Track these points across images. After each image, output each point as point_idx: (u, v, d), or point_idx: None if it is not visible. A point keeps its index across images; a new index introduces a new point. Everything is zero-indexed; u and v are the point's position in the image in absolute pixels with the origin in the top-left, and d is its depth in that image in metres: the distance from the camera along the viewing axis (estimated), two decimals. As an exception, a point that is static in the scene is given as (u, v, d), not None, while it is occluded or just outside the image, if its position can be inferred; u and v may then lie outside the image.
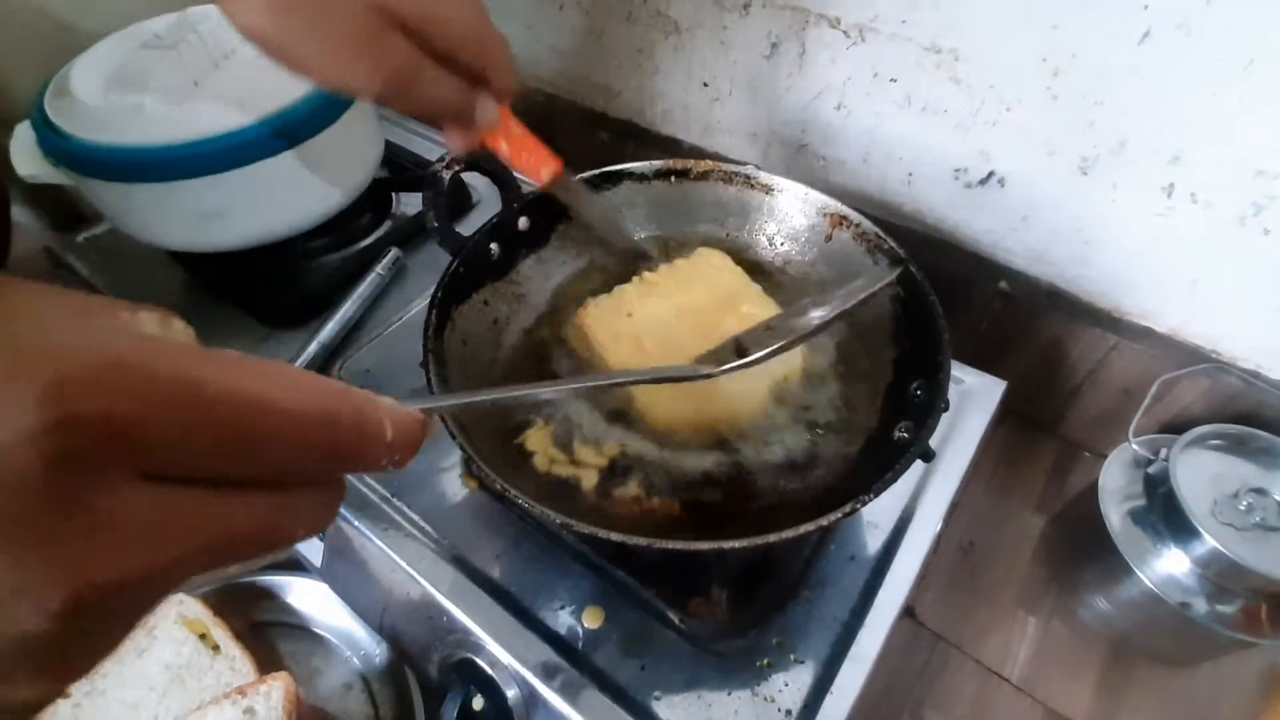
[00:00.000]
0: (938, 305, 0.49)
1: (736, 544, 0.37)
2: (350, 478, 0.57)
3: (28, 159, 0.64)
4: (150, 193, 0.63)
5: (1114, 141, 0.57)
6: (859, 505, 0.38)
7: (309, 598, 0.64)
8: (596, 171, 0.60)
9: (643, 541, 0.37)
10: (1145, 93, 0.54)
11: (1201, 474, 0.56)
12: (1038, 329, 0.70)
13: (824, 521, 0.37)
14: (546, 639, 0.49)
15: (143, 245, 0.68)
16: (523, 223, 0.58)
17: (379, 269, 0.72)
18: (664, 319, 0.53)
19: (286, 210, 0.68)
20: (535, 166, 0.51)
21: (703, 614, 0.48)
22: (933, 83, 0.63)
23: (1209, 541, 0.52)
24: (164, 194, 0.62)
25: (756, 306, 0.54)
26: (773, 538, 0.37)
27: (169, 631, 0.59)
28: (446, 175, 0.52)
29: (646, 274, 0.57)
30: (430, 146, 0.90)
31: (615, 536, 0.37)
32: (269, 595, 0.65)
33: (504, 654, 0.48)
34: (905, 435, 0.44)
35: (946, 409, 0.43)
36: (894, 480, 0.39)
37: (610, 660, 0.48)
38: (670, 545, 0.37)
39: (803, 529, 0.37)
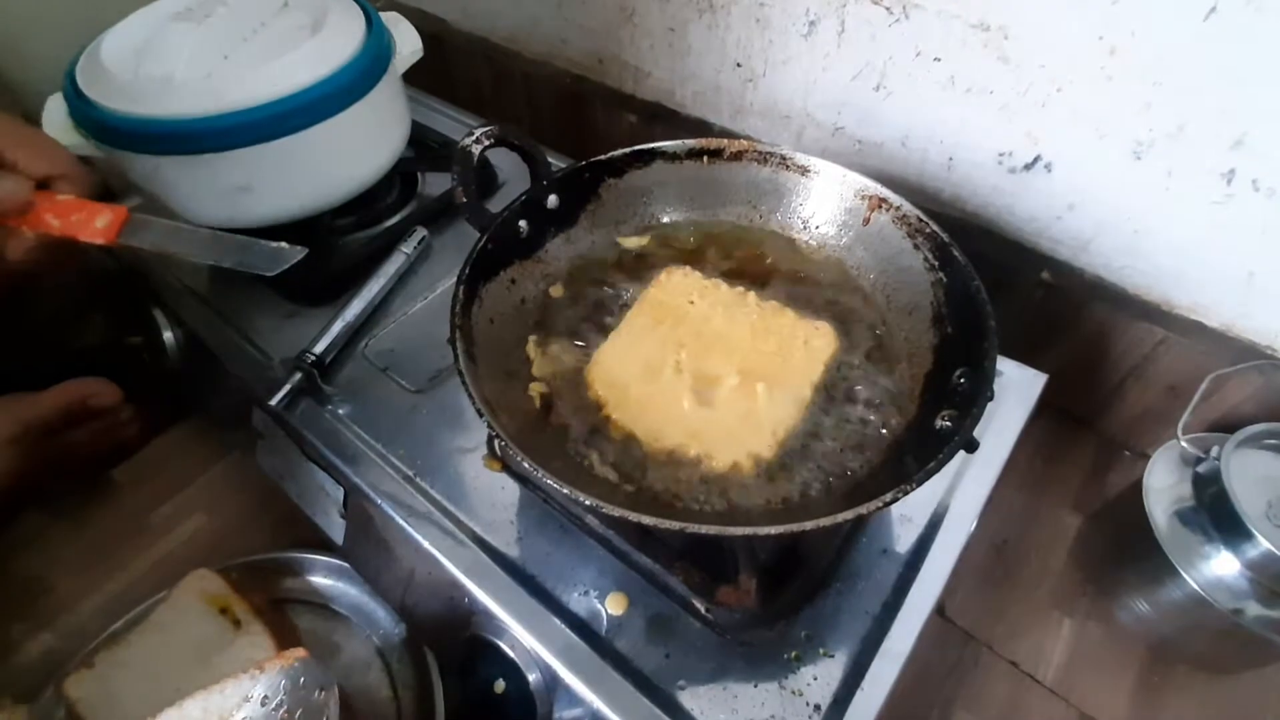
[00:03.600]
0: (983, 291, 0.47)
1: (771, 530, 0.35)
2: (376, 460, 0.57)
3: (59, 130, 0.64)
4: (178, 166, 0.62)
5: (1172, 125, 0.54)
6: (900, 495, 0.37)
7: (329, 576, 0.64)
8: (627, 150, 0.59)
9: (675, 526, 0.36)
10: (1208, 72, 0.51)
11: (1254, 474, 0.54)
12: (1081, 321, 0.67)
13: (863, 510, 0.36)
14: (569, 623, 0.48)
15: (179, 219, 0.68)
16: (552, 201, 0.56)
17: (405, 248, 0.72)
18: (654, 365, 0.51)
19: (313, 187, 0.68)
20: (89, 221, 0.50)
21: (730, 603, 0.47)
22: (979, 62, 0.60)
23: (1263, 544, 0.50)
24: (192, 167, 0.62)
25: (736, 319, 0.53)
26: (809, 525, 0.36)
27: (191, 606, 0.59)
28: (476, 150, 0.51)
29: (629, 315, 0.54)
30: (457, 127, 0.89)
31: (647, 520, 0.36)
32: (290, 572, 0.65)
33: (526, 637, 0.47)
34: (948, 424, 0.42)
35: (991, 398, 0.41)
36: (937, 470, 0.38)
37: (634, 647, 0.47)
38: (703, 529, 0.35)
39: (840, 517, 0.36)
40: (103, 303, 0.80)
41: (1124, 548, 0.62)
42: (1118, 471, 0.71)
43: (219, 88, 0.61)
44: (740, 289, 0.55)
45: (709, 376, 0.49)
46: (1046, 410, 0.73)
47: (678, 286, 0.55)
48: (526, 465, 0.38)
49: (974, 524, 0.53)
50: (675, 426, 0.46)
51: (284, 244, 0.56)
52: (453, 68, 1.05)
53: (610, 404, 0.48)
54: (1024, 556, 0.66)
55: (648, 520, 0.36)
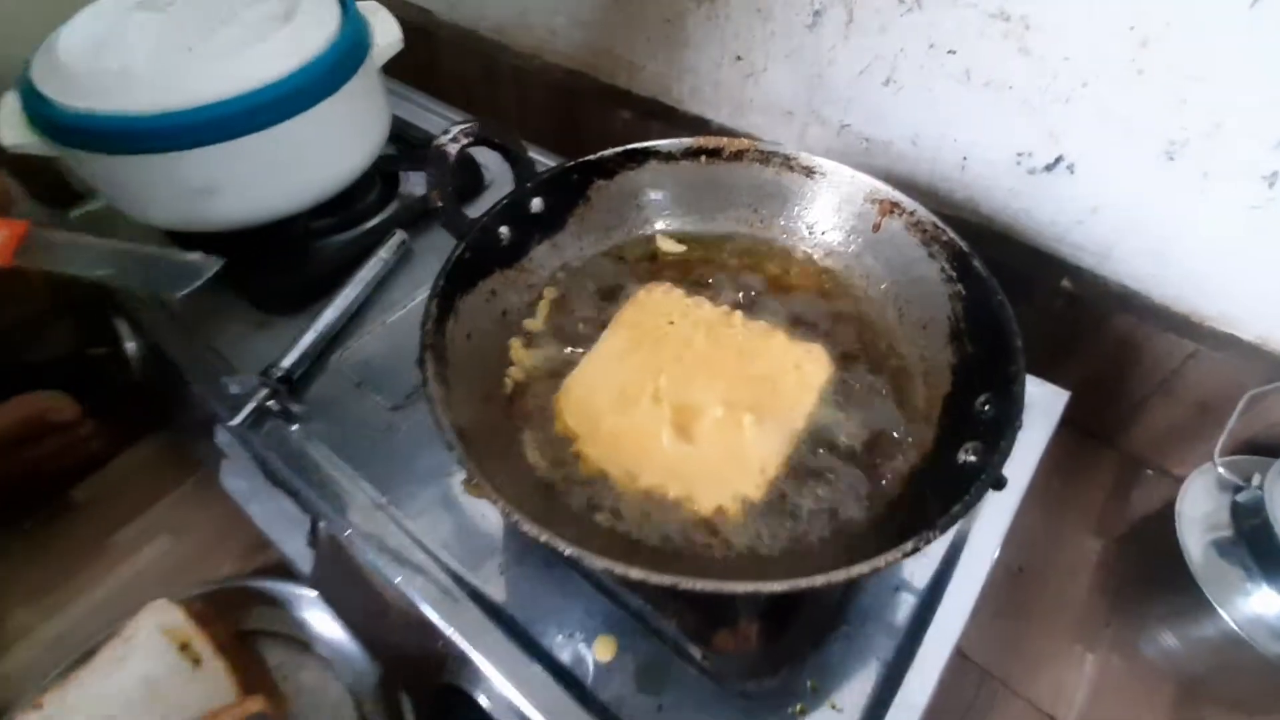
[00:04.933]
0: (1007, 306, 0.43)
1: (778, 587, 0.31)
2: (346, 485, 0.53)
3: (13, 128, 0.60)
4: (136, 165, 0.58)
5: (1208, 123, 0.50)
6: (921, 544, 0.32)
7: (301, 607, 0.60)
8: (618, 150, 0.54)
9: (666, 580, 0.31)
10: (1252, 67, 0.47)
11: (1299, 504, 0.50)
12: (1104, 333, 0.63)
13: (879, 564, 0.32)
14: (552, 671, 0.44)
15: (137, 222, 0.64)
16: (536, 204, 0.52)
17: (382, 253, 0.67)
18: (630, 394, 0.46)
19: (283, 188, 0.63)
20: None
21: (728, 649, 0.43)
22: (998, 55, 0.56)
23: (1310, 583, 0.46)
24: (150, 167, 0.57)
25: (720, 341, 0.49)
26: (820, 580, 0.31)
27: (148, 641, 0.55)
28: (453, 150, 0.47)
29: (603, 337, 0.49)
30: (442, 123, 0.85)
31: (635, 574, 0.31)
32: (260, 601, 0.61)
33: (505, 686, 0.43)
34: (973, 459, 0.38)
35: (1020, 428, 0.37)
36: (963, 514, 0.34)
37: (623, 698, 0.43)
38: (699, 586, 0.31)
39: (854, 571, 0.31)
40: (65, 311, 0.76)
41: (1152, 577, 0.58)
42: (1141, 491, 0.67)
43: (180, 82, 0.56)
44: (724, 308, 0.50)
45: (690, 407, 0.44)
46: (1064, 425, 0.69)
47: (656, 305, 0.50)
48: (500, 507, 0.34)
49: (995, 556, 0.49)
50: (653, 464, 0.42)
51: (197, 255, 0.51)
52: (439, 61, 1.00)
53: (581, 437, 0.43)
54: (1042, 584, 0.62)
55: (635, 574, 0.31)
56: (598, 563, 0.32)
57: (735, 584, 0.31)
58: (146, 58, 0.58)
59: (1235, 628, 0.50)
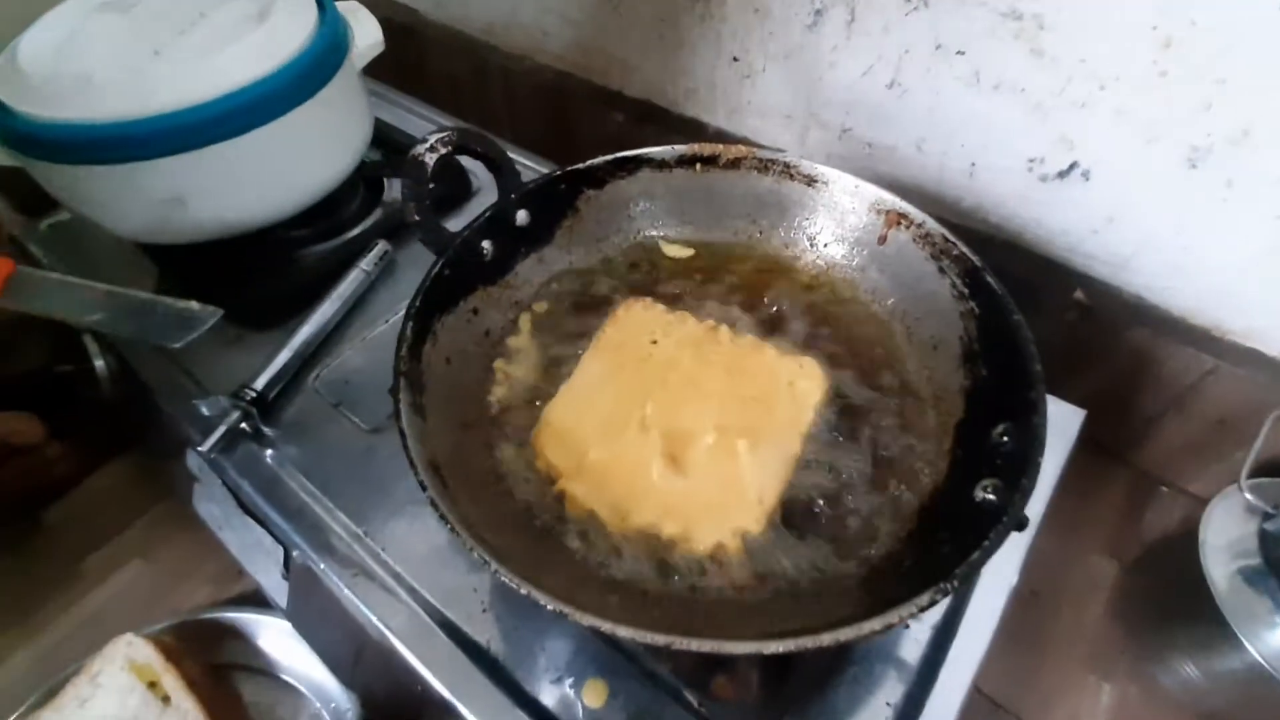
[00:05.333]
0: (1024, 327, 0.40)
1: (780, 647, 0.28)
2: (321, 514, 0.50)
3: (-26, 138, 0.57)
4: (101, 176, 0.55)
5: (1235, 128, 0.47)
6: (938, 597, 0.29)
7: (277, 639, 0.57)
8: (609, 158, 0.52)
9: (659, 640, 0.28)
10: (1282, 68, 0.44)
11: (1330, 532, 0.47)
12: (1118, 346, 0.60)
13: (893, 619, 0.29)
14: (537, 718, 0.41)
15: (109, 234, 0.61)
16: (521, 216, 0.49)
17: (364, 264, 0.64)
18: (615, 423, 0.43)
19: (257, 197, 0.60)
20: None
21: (726, 695, 0.40)
22: (1009, 55, 0.53)
23: (1345, 618, 0.43)
24: (116, 177, 0.55)
25: (707, 360, 0.46)
26: (826, 639, 0.29)
27: (115, 679, 0.52)
28: (430, 159, 0.44)
29: (583, 360, 0.46)
30: (430, 127, 0.82)
31: (623, 632, 0.29)
32: (233, 634, 0.58)
33: (488, 736, 0.40)
34: (992, 498, 0.35)
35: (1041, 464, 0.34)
36: (983, 561, 0.31)
37: (615, 748, 0.40)
38: (693, 647, 0.28)
39: (866, 628, 0.29)
40: (31, 326, 0.72)
41: (1171, 603, 0.55)
42: (1157, 511, 0.64)
43: (147, 87, 0.53)
44: (709, 322, 0.47)
45: (681, 434, 0.41)
46: (1077, 442, 0.66)
47: (636, 322, 0.47)
48: (474, 554, 0.31)
49: (1012, 587, 0.46)
50: (644, 500, 0.39)
51: (193, 304, 0.48)
52: (426, 62, 0.97)
53: (565, 474, 0.40)
54: (1056, 609, 0.60)
55: (623, 632, 0.29)
56: (583, 620, 0.29)
57: (734, 644, 0.28)
58: (109, 62, 0.55)
59: (1262, 661, 0.47)
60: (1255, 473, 0.52)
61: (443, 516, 0.32)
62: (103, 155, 0.53)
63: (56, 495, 0.66)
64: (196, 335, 0.46)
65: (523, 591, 0.30)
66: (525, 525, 0.39)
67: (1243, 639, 0.48)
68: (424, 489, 0.33)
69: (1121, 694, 0.55)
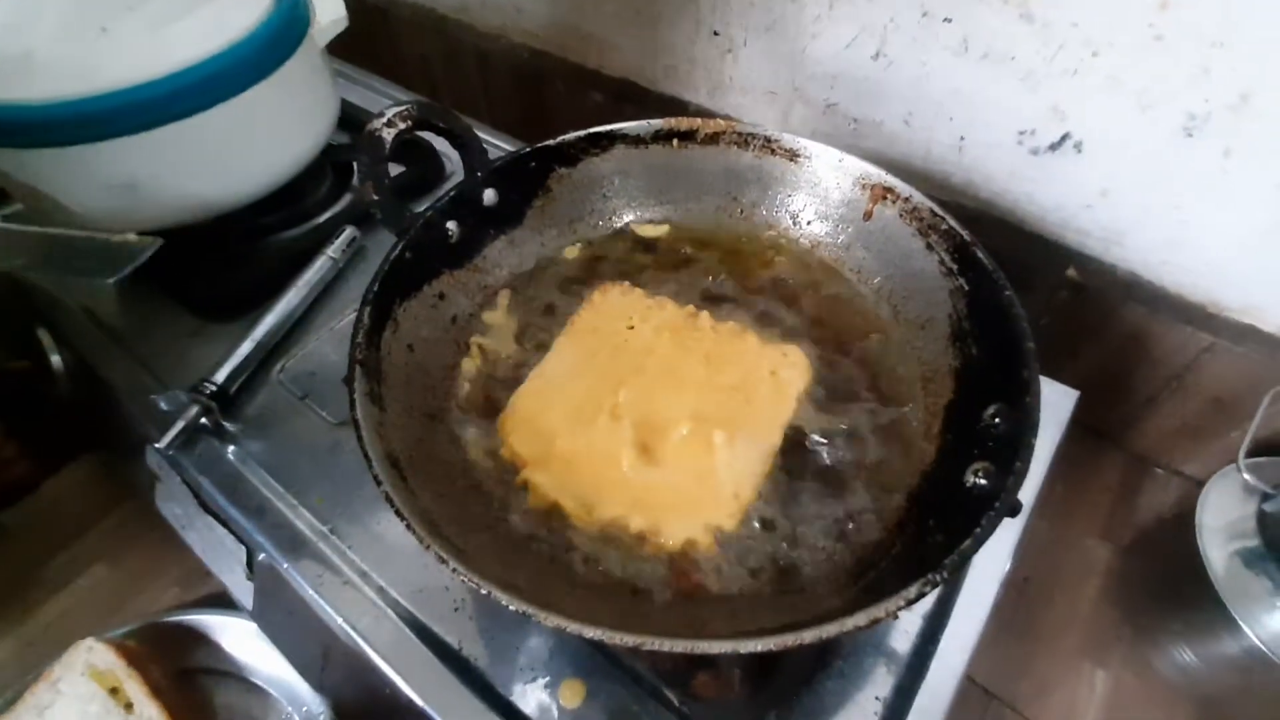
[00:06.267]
0: (1016, 303, 0.38)
1: (758, 646, 0.26)
2: (285, 512, 0.47)
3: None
4: (46, 160, 0.52)
5: (1233, 94, 0.45)
6: (927, 588, 0.28)
7: (245, 641, 0.55)
8: (581, 133, 0.49)
9: (629, 641, 0.27)
10: (1282, 29, 0.42)
11: (1331, 512, 0.46)
12: (1111, 325, 0.59)
13: (879, 613, 0.27)
14: (513, 721, 0.39)
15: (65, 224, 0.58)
16: (489, 196, 0.47)
17: (331, 251, 0.62)
18: (585, 411, 0.41)
19: (217, 181, 0.58)
20: None
21: (709, 694, 0.38)
22: (999, 22, 0.51)
23: (1348, 601, 0.42)
24: (62, 161, 0.52)
25: (686, 347, 0.44)
26: (808, 636, 0.27)
27: (75, 686, 0.50)
28: (388, 134, 0.41)
29: (554, 346, 0.44)
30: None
31: (590, 634, 0.27)
32: (199, 637, 0.56)
33: (460, 741, 0.38)
34: (983, 482, 0.33)
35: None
36: (975, 549, 0.29)
37: (593, 751, 0.38)
38: (665, 647, 0.26)
39: (850, 624, 0.27)
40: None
41: (1167, 587, 0.54)
42: (1150, 494, 0.63)
43: (91, 66, 0.50)
44: (690, 308, 0.45)
45: (654, 424, 0.39)
46: (1069, 424, 0.65)
47: (613, 307, 0.45)
48: (432, 552, 0.29)
49: (1004, 574, 0.44)
50: (613, 493, 0.37)
51: (130, 236, 0.45)
52: (399, 43, 0.94)
53: (530, 463, 0.38)
54: (1049, 595, 0.58)
55: (592, 634, 0.27)
56: (548, 622, 0.27)
57: (709, 643, 0.26)
58: (53, 40, 0.51)
59: (1260, 645, 0.46)
60: (1253, 452, 0.51)
61: (398, 512, 0.30)
62: (47, 138, 0.50)
63: (14, 499, 0.63)
64: (135, 266, 0.43)
65: (484, 592, 0.28)
66: (492, 521, 0.37)
67: (1241, 623, 0.47)
68: (378, 483, 0.31)
69: (1117, 681, 0.54)
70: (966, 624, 0.43)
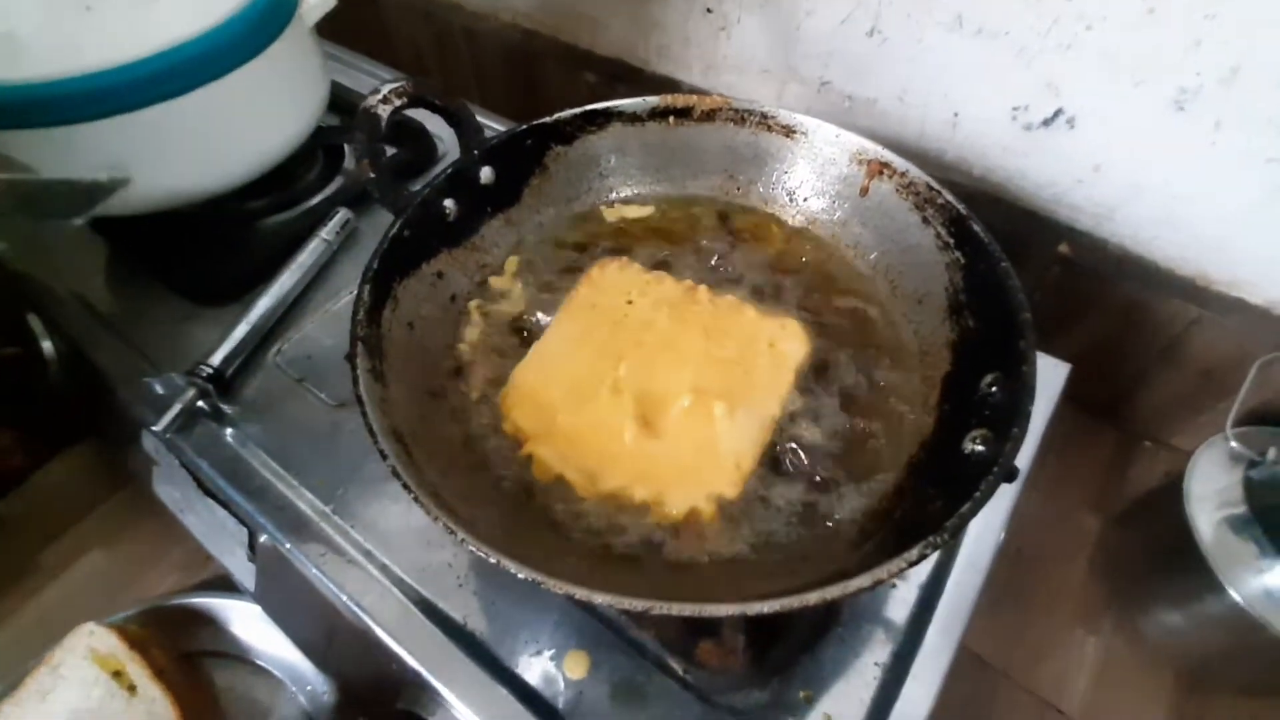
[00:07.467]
0: (1013, 275, 0.38)
1: (764, 608, 0.27)
2: (286, 493, 0.47)
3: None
4: (30, 142, 0.51)
5: (1224, 67, 0.46)
6: (928, 551, 0.28)
7: (248, 623, 0.55)
8: (577, 111, 0.49)
9: (638, 605, 0.27)
10: (1274, 4, 0.42)
11: (1315, 477, 0.47)
12: (1102, 299, 0.59)
13: (882, 575, 0.28)
14: (518, 693, 0.39)
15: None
16: (486, 174, 0.46)
17: (324, 233, 0.61)
18: (586, 385, 0.41)
19: (206, 164, 0.57)
20: None
21: (712, 662, 0.39)
22: (993, -3, 0.51)
23: (1331, 562, 0.43)
24: (46, 143, 0.51)
25: (685, 321, 0.44)
26: (813, 597, 0.27)
27: (77, 670, 0.50)
28: (384, 111, 0.41)
29: (554, 321, 0.44)
30: (391, 91, 0.78)
31: (599, 598, 0.27)
32: (203, 620, 0.56)
33: (466, 713, 0.39)
34: (981, 449, 0.34)
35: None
36: (973, 513, 0.30)
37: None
38: (674, 611, 0.27)
39: (853, 585, 0.27)
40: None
41: (1155, 555, 0.55)
42: (1140, 466, 0.64)
43: (75, 45, 0.49)
44: (688, 282, 0.46)
45: (654, 397, 0.40)
46: (1061, 398, 0.66)
47: (612, 282, 0.45)
48: (440, 523, 0.29)
49: (999, 540, 0.45)
50: (616, 465, 0.37)
51: (99, 176, 0.44)
52: (388, 24, 0.93)
53: (533, 437, 0.38)
54: (1041, 566, 0.59)
55: (600, 598, 0.27)
56: (557, 588, 0.27)
57: (716, 606, 0.27)
58: (36, 18, 0.50)
59: (1247, 608, 0.47)
60: (1240, 421, 0.52)
61: (405, 485, 0.30)
62: (30, 119, 0.49)
63: (10, 487, 0.63)
64: (104, 203, 0.42)
65: (492, 560, 0.28)
66: (496, 493, 0.37)
67: (1226, 585, 0.48)
68: (384, 458, 0.31)
69: (1107, 647, 0.55)
70: (962, 593, 0.44)
